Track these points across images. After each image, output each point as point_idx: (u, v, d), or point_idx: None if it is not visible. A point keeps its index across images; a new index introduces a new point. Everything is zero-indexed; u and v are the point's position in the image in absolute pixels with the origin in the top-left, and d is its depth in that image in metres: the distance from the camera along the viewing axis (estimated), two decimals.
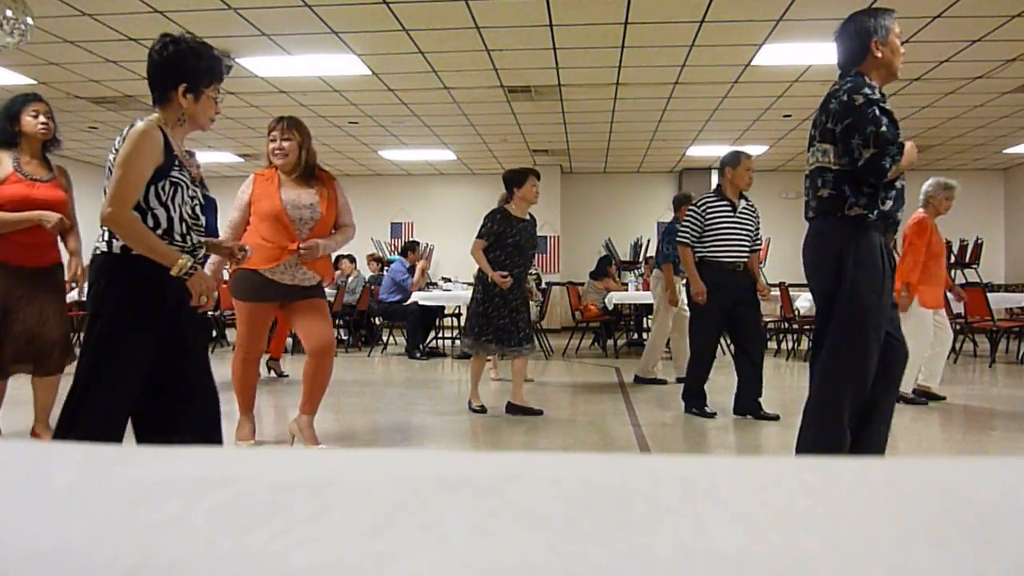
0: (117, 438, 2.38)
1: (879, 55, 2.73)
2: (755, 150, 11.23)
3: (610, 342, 9.12)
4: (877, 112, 2.61)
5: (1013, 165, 12.20)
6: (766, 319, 8.92)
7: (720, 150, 11.24)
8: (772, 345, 9.43)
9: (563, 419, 4.79)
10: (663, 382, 6.15)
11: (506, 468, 0.38)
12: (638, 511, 0.31)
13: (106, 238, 2.35)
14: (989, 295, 7.04)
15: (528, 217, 4.93)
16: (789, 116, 9.19)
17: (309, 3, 5.65)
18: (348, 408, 5.02)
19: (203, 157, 11.92)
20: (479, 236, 4.82)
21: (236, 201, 3.53)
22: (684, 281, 6.13)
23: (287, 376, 6.48)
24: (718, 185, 4.85)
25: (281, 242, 3.39)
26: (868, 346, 2.67)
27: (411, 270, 8.80)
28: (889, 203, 2.70)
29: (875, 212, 2.68)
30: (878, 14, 2.77)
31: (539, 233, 14.27)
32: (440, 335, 9.60)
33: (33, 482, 0.36)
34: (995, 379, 6.77)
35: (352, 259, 10.29)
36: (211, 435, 2.53)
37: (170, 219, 2.40)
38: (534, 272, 8.55)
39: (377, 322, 9.44)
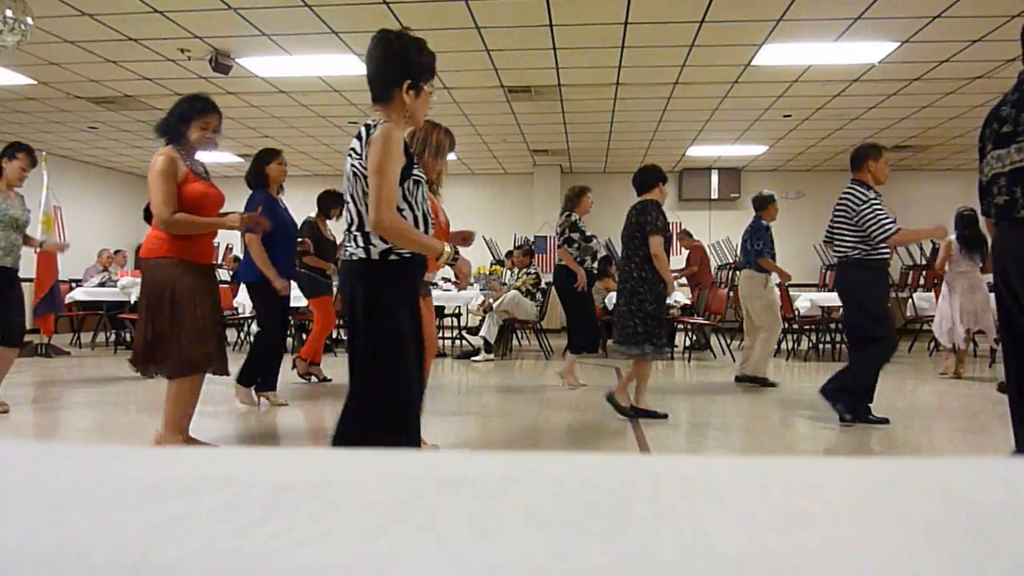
0: (415, 436, 2.47)
1: None
2: (755, 150, 11.24)
3: (610, 342, 9.11)
4: None
5: None
6: None
7: (720, 150, 11.26)
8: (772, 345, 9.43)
9: (563, 419, 4.79)
10: (773, 384, 6.00)
11: (506, 468, 0.38)
12: (638, 511, 0.31)
13: (361, 243, 2.40)
14: (989, 295, 7.03)
15: None
16: (789, 116, 9.19)
17: (309, 3, 5.65)
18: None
19: (203, 157, 11.92)
20: (655, 232, 4.38)
21: None
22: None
23: (331, 380, 6.31)
24: (859, 179, 4.51)
25: None
26: None
27: None
28: None
29: None
30: None
31: (538, 233, 14.17)
32: (440, 335, 9.60)
33: (33, 482, 0.36)
34: (996, 378, 6.77)
35: None
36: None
37: (415, 217, 2.46)
38: (533, 272, 8.53)
39: None
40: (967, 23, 5.96)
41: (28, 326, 4.65)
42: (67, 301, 8.69)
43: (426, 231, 2.51)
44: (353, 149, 2.43)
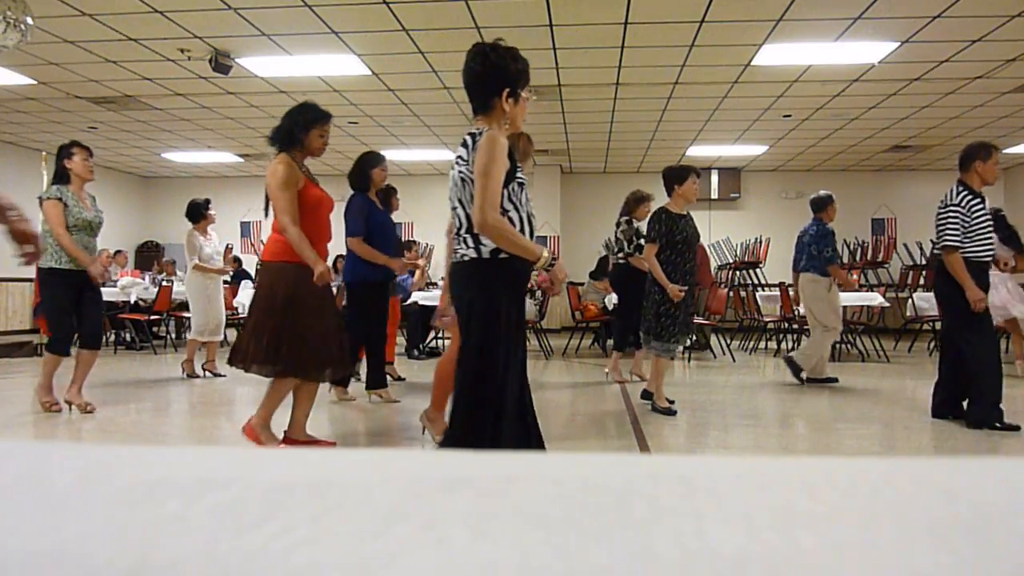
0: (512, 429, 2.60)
1: None
2: (755, 150, 11.24)
3: (610, 342, 9.11)
4: None
5: (1013, 165, 12.21)
6: (766, 319, 8.94)
7: (720, 150, 11.27)
8: (772, 345, 9.44)
9: (563, 419, 4.79)
10: (835, 380, 6.07)
11: (506, 468, 0.38)
12: (638, 511, 0.31)
13: (471, 244, 2.52)
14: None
15: (686, 212, 4.76)
16: (789, 116, 9.19)
17: (309, 3, 5.65)
18: (348, 408, 5.01)
19: (203, 157, 11.93)
20: (649, 240, 4.68)
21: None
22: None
23: (404, 379, 6.31)
24: (963, 180, 4.39)
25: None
26: None
27: (411, 270, 8.79)
28: None
29: None
30: None
31: (538, 233, 14.22)
32: (440, 335, 9.59)
33: (33, 482, 0.36)
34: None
35: None
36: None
37: (521, 219, 2.58)
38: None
39: None
40: (967, 23, 5.96)
41: (28, 326, 4.63)
42: None
43: (531, 232, 2.62)
44: (460, 157, 2.56)
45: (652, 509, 0.31)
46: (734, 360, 8.24)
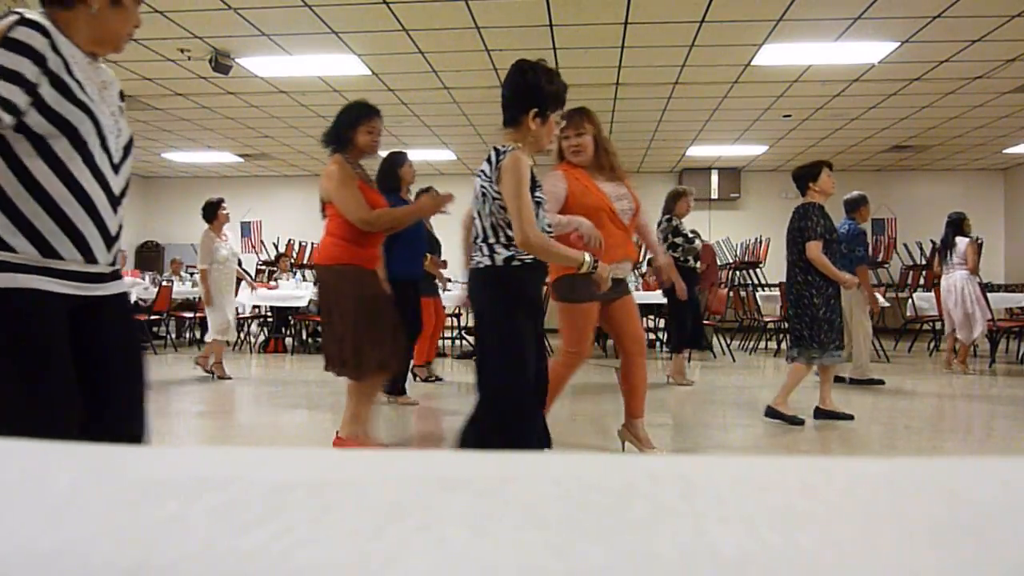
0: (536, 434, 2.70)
1: None
2: (755, 150, 11.24)
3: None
4: None
5: (1013, 165, 12.20)
6: (766, 319, 8.94)
7: (720, 150, 11.27)
8: (772, 345, 9.43)
9: (563, 419, 4.78)
10: (881, 382, 5.97)
11: (506, 468, 0.38)
12: (638, 511, 0.31)
13: (486, 252, 2.61)
14: (989, 295, 7.05)
15: None
16: (789, 116, 9.19)
17: (309, 3, 5.65)
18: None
19: (203, 157, 11.93)
20: (814, 237, 4.31)
21: (549, 199, 3.09)
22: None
23: (443, 380, 6.39)
24: None
25: (618, 237, 3.33)
26: None
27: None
28: None
29: None
30: None
31: None
32: (440, 335, 9.58)
33: (33, 482, 0.36)
34: (995, 379, 6.78)
35: None
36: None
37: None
38: None
39: None
40: (967, 23, 5.96)
41: None
42: None
43: None
44: (483, 171, 2.63)
45: (652, 509, 0.31)
46: (734, 360, 8.24)
